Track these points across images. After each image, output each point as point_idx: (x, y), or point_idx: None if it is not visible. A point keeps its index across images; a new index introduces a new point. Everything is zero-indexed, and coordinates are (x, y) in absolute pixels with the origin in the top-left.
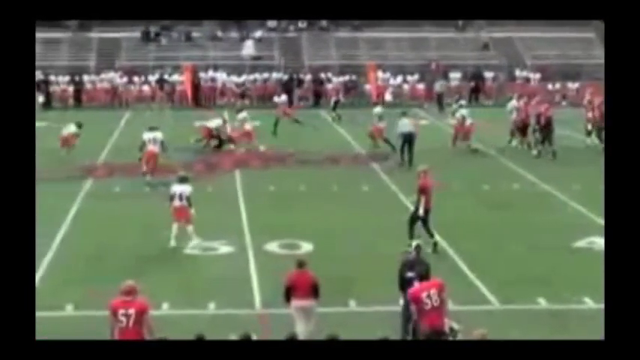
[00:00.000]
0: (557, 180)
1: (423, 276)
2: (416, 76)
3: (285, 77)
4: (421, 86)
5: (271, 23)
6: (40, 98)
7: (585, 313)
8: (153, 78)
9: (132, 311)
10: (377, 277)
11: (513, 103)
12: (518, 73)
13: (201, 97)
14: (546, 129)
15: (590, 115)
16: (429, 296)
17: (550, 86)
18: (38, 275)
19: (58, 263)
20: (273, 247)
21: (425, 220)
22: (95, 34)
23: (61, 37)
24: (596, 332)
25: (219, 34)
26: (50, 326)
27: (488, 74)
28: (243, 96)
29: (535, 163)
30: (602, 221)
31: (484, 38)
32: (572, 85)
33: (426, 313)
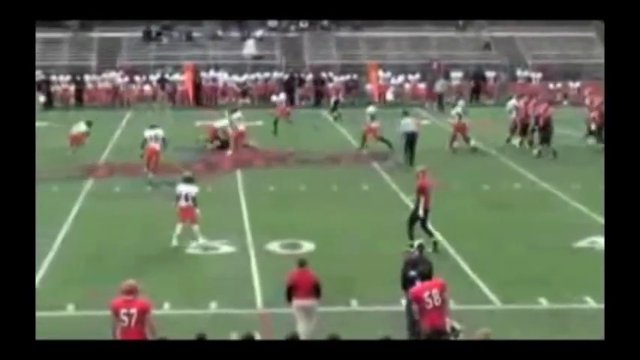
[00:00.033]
0: (558, 179)
1: (426, 275)
2: (417, 76)
3: (286, 77)
4: (422, 86)
5: (272, 23)
6: (41, 98)
7: (587, 312)
8: (154, 78)
9: (134, 310)
10: (378, 276)
11: (513, 102)
12: (519, 72)
13: (202, 97)
14: (545, 129)
15: (593, 114)
16: (430, 296)
17: (551, 86)
18: (39, 275)
19: (59, 263)
20: (274, 246)
21: (424, 220)
22: (96, 34)
23: (62, 36)
24: (597, 332)
25: (220, 33)
26: (51, 326)
27: (490, 74)
28: (244, 94)
29: (535, 163)
30: (603, 221)
31: (485, 38)
32: (574, 85)
33: (427, 312)
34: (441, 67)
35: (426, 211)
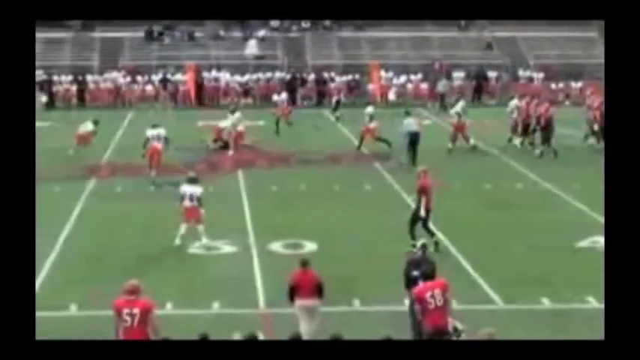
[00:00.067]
0: (560, 179)
1: (429, 275)
2: (419, 76)
3: (289, 77)
4: (425, 86)
5: (274, 23)
6: (43, 98)
7: (589, 312)
8: (156, 78)
9: (136, 310)
10: (380, 276)
11: (515, 102)
12: (521, 72)
13: (204, 97)
14: (546, 130)
15: (594, 114)
16: (432, 296)
17: (553, 86)
18: (42, 275)
19: (61, 263)
20: (276, 246)
21: (425, 220)
22: (98, 34)
23: (64, 36)
24: (599, 332)
25: (222, 33)
26: (54, 326)
27: (492, 74)
28: (246, 94)
29: (537, 163)
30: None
31: (487, 38)
32: (576, 85)
33: (429, 312)
34: (442, 67)
35: (427, 211)
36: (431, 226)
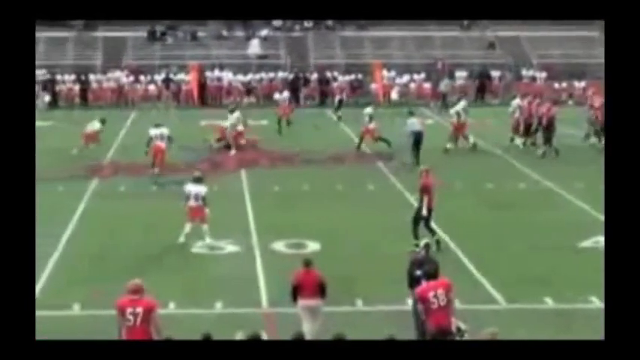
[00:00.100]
0: (562, 179)
1: (431, 275)
2: (422, 75)
3: (291, 76)
4: (427, 85)
5: (277, 22)
6: (46, 98)
7: (591, 312)
8: (159, 77)
9: (140, 310)
10: (383, 276)
11: (517, 101)
12: (524, 72)
13: (207, 97)
14: (548, 129)
15: (596, 114)
16: (435, 296)
17: (556, 85)
18: (45, 275)
19: (64, 263)
20: (279, 246)
21: (427, 219)
22: (101, 33)
23: (67, 36)
24: (602, 332)
25: (225, 33)
26: (57, 326)
27: (495, 73)
28: (249, 92)
29: (539, 162)
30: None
31: (490, 37)
32: (579, 84)
33: (432, 312)
34: (445, 67)
35: (429, 210)
36: (433, 225)
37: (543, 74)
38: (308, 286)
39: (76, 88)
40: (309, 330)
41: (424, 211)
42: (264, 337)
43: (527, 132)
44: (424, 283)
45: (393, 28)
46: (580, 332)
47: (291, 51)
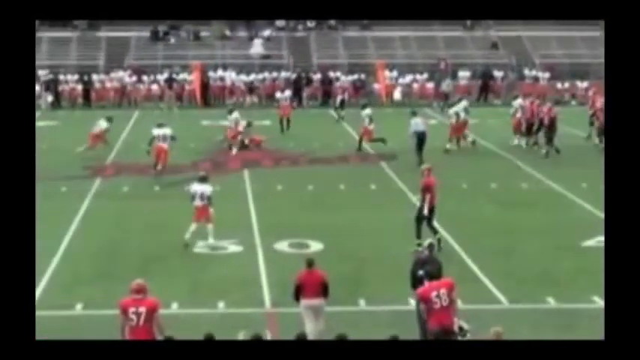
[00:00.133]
0: (565, 179)
1: (434, 275)
2: (425, 75)
3: (294, 76)
4: (430, 85)
5: (280, 22)
6: (49, 98)
7: (595, 312)
8: (162, 77)
9: (142, 309)
10: (386, 276)
11: (519, 101)
12: (527, 72)
13: (209, 97)
14: (550, 129)
15: (597, 114)
16: (438, 296)
17: (559, 85)
18: (48, 275)
19: (67, 263)
20: (282, 246)
21: (429, 218)
22: (104, 33)
23: (70, 36)
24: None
25: (228, 33)
26: (60, 325)
27: (498, 73)
28: (251, 91)
29: (542, 163)
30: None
31: (493, 37)
32: (581, 84)
33: (435, 312)
34: (448, 67)
35: (431, 209)
36: (435, 224)
37: (546, 74)
38: (311, 285)
39: (79, 88)
40: (312, 330)
41: (425, 210)
42: (267, 337)
43: (529, 132)
44: (426, 284)
45: (396, 28)
46: (583, 332)
47: (294, 51)
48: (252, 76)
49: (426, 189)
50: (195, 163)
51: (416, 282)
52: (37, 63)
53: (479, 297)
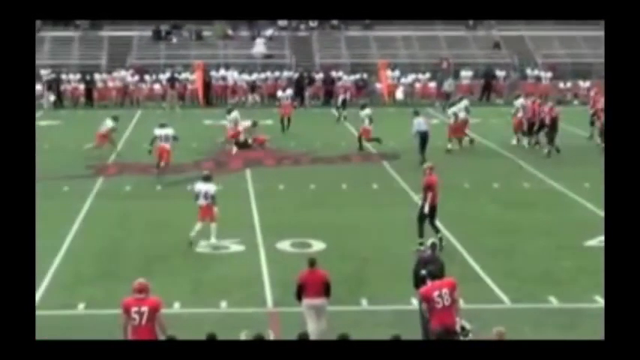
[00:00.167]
0: (568, 178)
1: (437, 274)
2: (427, 75)
3: (296, 76)
4: (433, 85)
5: (282, 22)
6: (51, 97)
7: (597, 312)
8: (164, 77)
9: (145, 309)
10: (389, 275)
11: (521, 101)
12: (529, 71)
13: (212, 96)
14: (551, 129)
15: (598, 114)
16: (440, 295)
17: (561, 85)
18: (50, 274)
19: (69, 262)
20: (284, 245)
21: (431, 217)
22: (106, 33)
23: (72, 35)
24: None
25: (230, 32)
26: (62, 325)
27: (500, 73)
28: (253, 90)
29: (544, 162)
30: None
31: (495, 37)
32: (584, 84)
33: (437, 311)
34: (450, 66)
35: (432, 208)
36: (437, 223)
37: (548, 74)
38: (313, 285)
39: (81, 87)
40: (314, 330)
41: (426, 209)
42: (269, 336)
43: (530, 131)
44: (429, 283)
45: (399, 28)
46: (585, 332)
47: (296, 50)
48: (255, 76)
49: (428, 187)
50: (197, 162)
51: (418, 281)
52: (40, 62)
53: (481, 296)
